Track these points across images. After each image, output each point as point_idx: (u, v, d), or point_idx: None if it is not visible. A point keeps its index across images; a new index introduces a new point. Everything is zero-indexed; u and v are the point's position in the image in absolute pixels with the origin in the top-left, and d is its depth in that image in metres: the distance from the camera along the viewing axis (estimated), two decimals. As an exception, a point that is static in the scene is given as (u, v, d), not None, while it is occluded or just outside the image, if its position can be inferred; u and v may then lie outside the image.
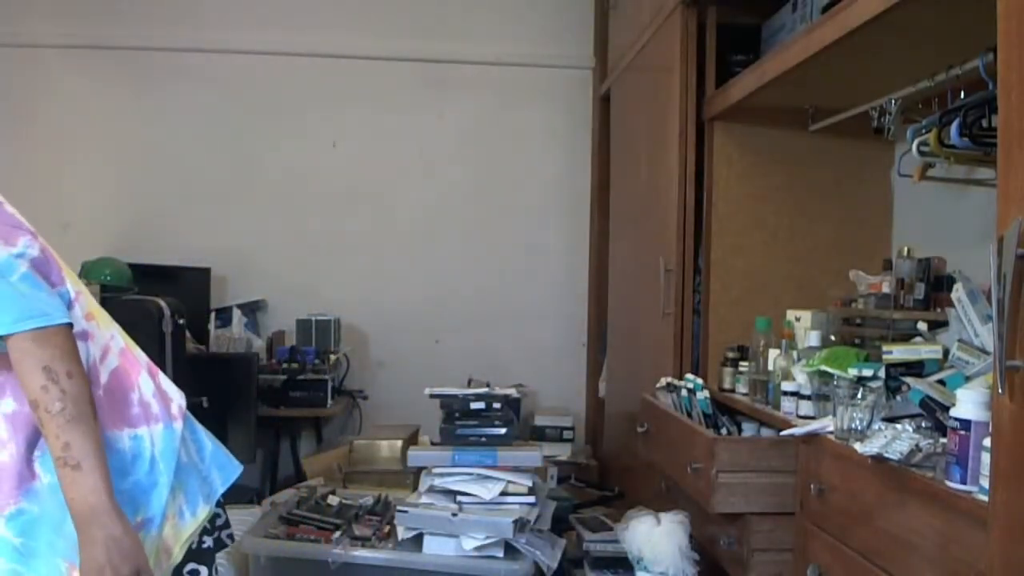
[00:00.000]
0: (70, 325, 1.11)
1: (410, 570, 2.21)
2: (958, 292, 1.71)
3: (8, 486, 1.13)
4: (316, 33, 3.81)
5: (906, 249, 1.99)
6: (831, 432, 1.67)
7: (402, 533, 2.27)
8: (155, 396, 1.26)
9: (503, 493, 2.27)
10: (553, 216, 3.94)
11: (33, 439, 1.15)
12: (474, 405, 2.38)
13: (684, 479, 2.03)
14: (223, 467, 1.36)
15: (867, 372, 1.75)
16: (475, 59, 3.89)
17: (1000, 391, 1.09)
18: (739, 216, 2.55)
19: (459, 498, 2.27)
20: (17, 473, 1.13)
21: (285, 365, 3.47)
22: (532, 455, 2.35)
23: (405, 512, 2.26)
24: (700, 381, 2.25)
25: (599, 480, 3.44)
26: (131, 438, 1.21)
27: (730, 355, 2.38)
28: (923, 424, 1.47)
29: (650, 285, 2.77)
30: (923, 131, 1.79)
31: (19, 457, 1.14)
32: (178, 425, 1.27)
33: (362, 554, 2.24)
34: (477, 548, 2.20)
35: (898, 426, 1.48)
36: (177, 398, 1.29)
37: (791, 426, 1.81)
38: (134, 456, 1.20)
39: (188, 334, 3.09)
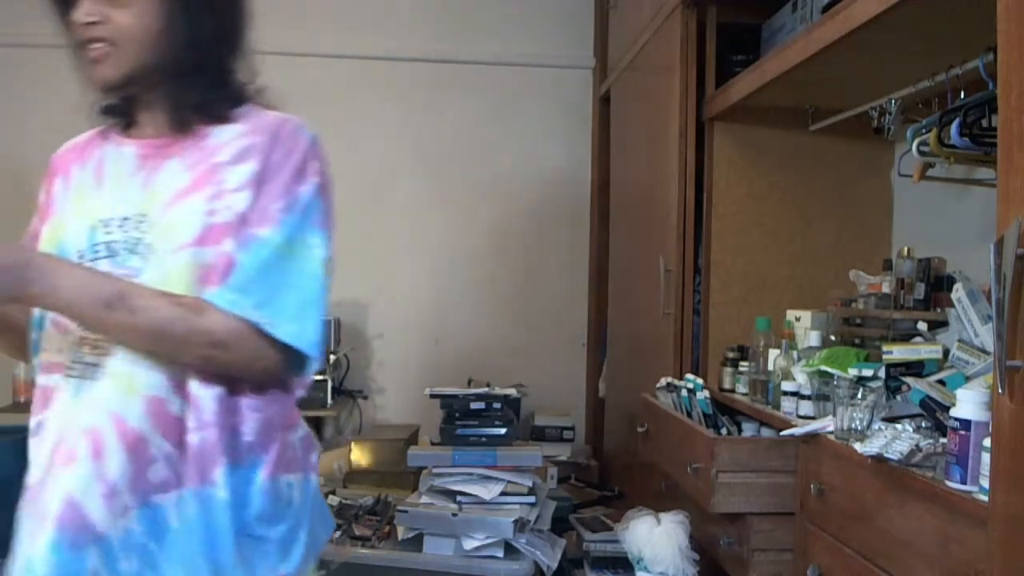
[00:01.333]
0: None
1: (410, 570, 2.21)
2: (958, 292, 1.71)
3: (174, 473, 1.01)
4: (315, 33, 3.81)
5: (906, 249, 1.99)
6: (831, 432, 1.67)
7: (402, 533, 2.27)
8: (301, 441, 1.16)
9: (503, 493, 2.27)
10: (553, 216, 3.94)
11: (234, 445, 1.04)
12: (474, 405, 2.38)
13: (684, 479, 2.03)
14: (326, 523, 1.22)
15: (867, 372, 1.75)
16: (475, 59, 3.88)
17: (1000, 391, 1.09)
18: (739, 216, 2.55)
19: (459, 498, 2.27)
20: (197, 466, 1.01)
21: (285, 365, 3.46)
22: (532, 455, 2.35)
23: (405, 512, 2.26)
24: (700, 381, 2.25)
25: (599, 480, 3.44)
26: (287, 485, 1.10)
27: (730, 355, 2.38)
28: (923, 424, 1.47)
29: (650, 285, 2.77)
30: (923, 131, 1.79)
31: (210, 448, 1.02)
32: (315, 477, 1.17)
33: (362, 554, 2.24)
34: (477, 548, 2.20)
35: (898, 426, 1.48)
36: (319, 446, 1.20)
37: (791, 426, 1.81)
38: (287, 503, 1.10)
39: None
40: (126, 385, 1.01)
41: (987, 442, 1.17)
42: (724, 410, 2.26)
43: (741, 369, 2.31)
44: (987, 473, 1.15)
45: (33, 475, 1.06)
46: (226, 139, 1.09)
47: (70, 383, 1.04)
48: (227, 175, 1.06)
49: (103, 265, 1.03)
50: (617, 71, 3.46)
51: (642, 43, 3.02)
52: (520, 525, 2.22)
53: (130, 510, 0.99)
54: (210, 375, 1.03)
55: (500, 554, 2.21)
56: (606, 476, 3.47)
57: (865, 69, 1.96)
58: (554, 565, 2.25)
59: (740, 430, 2.21)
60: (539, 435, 3.57)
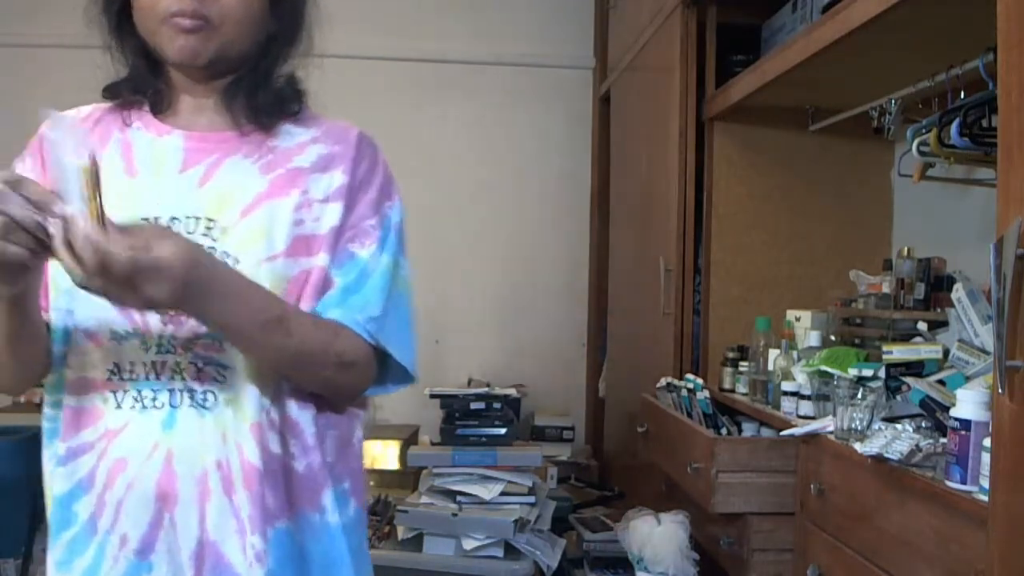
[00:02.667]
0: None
1: (410, 570, 2.21)
2: (958, 292, 1.71)
3: (283, 499, 0.93)
4: (315, 33, 3.81)
5: (906, 249, 1.99)
6: (831, 432, 1.67)
7: (402, 533, 2.27)
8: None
9: (503, 493, 2.27)
10: (553, 216, 3.94)
11: (339, 466, 0.99)
12: (474, 405, 2.38)
13: (684, 479, 2.03)
14: None
15: (867, 372, 1.75)
16: (475, 59, 3.88)
17: (1000, 391, 1.09)
18: (739, 216, 2.55)
19: (459, 498, 2.27)
20: (307, 493, 0.95)
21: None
22: (532, 455, 2.35)
23: (405, 512, 2.26)
24: (700, 381, 2.25)
25: (599, 480, 3.44)
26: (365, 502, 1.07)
27: (730, 355, 2.38)
28: (923, 424, 1.47)
29: (650, 285, 2.77)
30: (923, 131, 1.79)
31: (316, 473, 0.96)
32: (366, 515, 1.11)
33: (362, 554, 2.24)
34: (477, 548, 2.20)
35: (898, 426, 1.48)
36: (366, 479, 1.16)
37: (791, 426, 1.81)
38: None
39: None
40: (239, 413, 0.92)
41: (987, 442, 1.17)
42: (724, 410, 2.26)
43: (741, 369, 2.31)
44: (987, 473, 1.15)
45: (106, 504, 0.92)
46: (298, 142, 1.01)
47: (150, 410, 0.91)
48: (311, 183, 0.98)
49: None
50: (617, 71, 3.46)
51: (642, 43, 3.02)
52: (520, 525, 2.22)
53: (257, 546, 0.91)
54: (308, 395, 0.96)
55: (500, 554, 2.21)
56: (606, 476, 3.47)
57: (865, 69, 1.96)
58: (554, 565, 2.24)
59: (740, 430, 2.21)
60: (539, 435, 3.57)
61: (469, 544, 2.21)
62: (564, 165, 3.94)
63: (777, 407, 2.03)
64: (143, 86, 0.99)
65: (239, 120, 0.99)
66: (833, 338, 2.10)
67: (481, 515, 2.22)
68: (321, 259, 0.95)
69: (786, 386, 1.98)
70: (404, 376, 1.03)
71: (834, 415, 1.70)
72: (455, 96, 3.90)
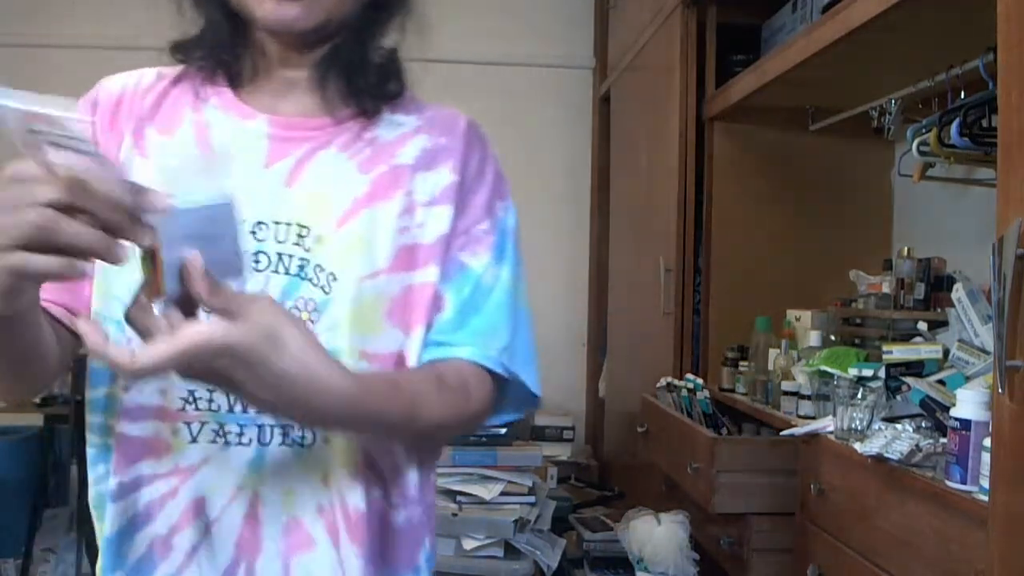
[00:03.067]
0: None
1: (410, 570, 2.21)
2: (958, 292, 1.71)
3: (378, 556, 0.81)
4: None
5: (906, 249, 1.99)
6: (831, 432, 1.67)
7: (402, 533, 2.27)
8: None
9: (503, 493, 2.27)
10: (553, 216, 3.94)
11: (432, 518, 0.87)
12: (474, 405, 2.38)
13: (684, 479, 2.03)
14: None
15: (867, 372, 1.75)
16: (475, 59, 3.88)
17: (1000, 391, 1.09)
18: (739, 216, 2.55)
19: (459, 498, 2.27)
20: (405, 549, 0.83)
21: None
22: (532, 455, 2.35)
23: (405, 512, 2.26)
24: (700, 381, 2.25)
25: (599, 480, 3.44)
26: None
27: (730, 355, 2.38)
28: (923, 424, 1.47)
29: (650, 285, 2.77)
30: (923, 131, 1.79)
31: (416, 527, 0.84)
32: None
33: (362, 554, 2.24)
34: (477, 548, 2.20)
35: (898, 426, 1.48)
36: None
37: (791, 426, 1.81)
38: None
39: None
40: (343, 453, 0.79)
41: (987, 442, 1.17)
42: (724, 410, 2.26)
43: (741, 369, 2.31)
44: (987, 473, 1.15)
45: (178, 549, 0.78)
46: (400, 133, 0.86)
47: (234, 446, 0.77)
48: (416, 183, 0.83)
49: (253, 290, 0.74)
50: (617, 71, 3.46)
51: (642, 43, 3.02)
52: (520, 525, 2.22)
53: None
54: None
55: (500, 554, 2.21)
56: (606, 476, 3.47)
57: (865, 69, 1.96)
58: (554, 565, 2.25)
59: (740, 430, 2.20)
60: (539, 435, 3.57)
61: (469, 544, 2.21)
62: (564, 165, 3.94)
63: (777, 407, 2.03)
64: (220, 51, 0.81)
65: (333, 103, 0.82)
66: (833, 338, 2.10)
67: (481, 515, 2.22)
68: (429, 273, 0.80)
69: (786, 386, 1.98)
70: (529, 400, 0.90)
71: (834, 415, 1.70)
72: (455, 96, 3.89)
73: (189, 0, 0.81)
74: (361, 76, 0.82)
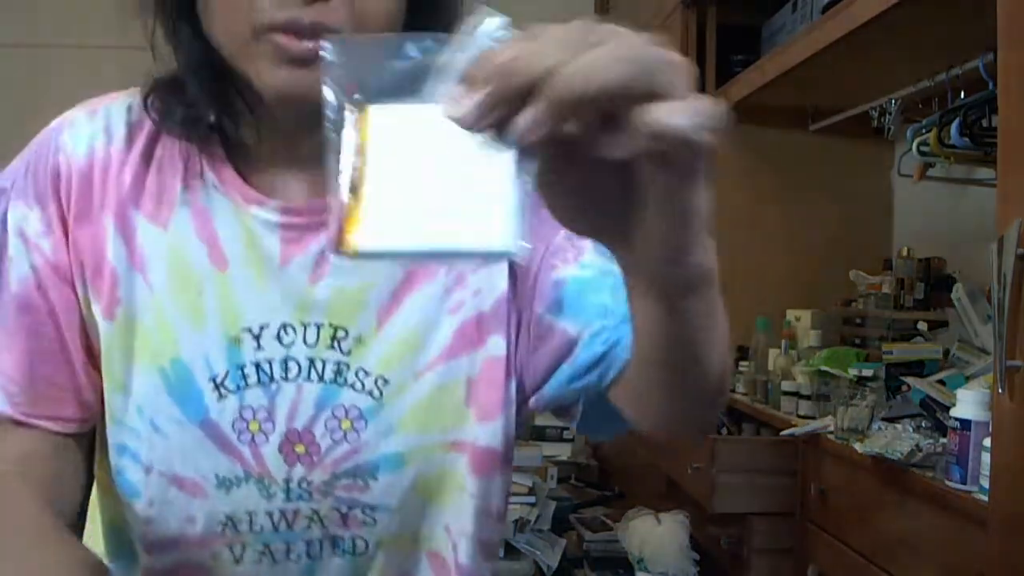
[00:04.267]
0: None
1: (410, 570, 2.21)
2: (958, 292, 1.71)
3: None
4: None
5: (906, 249, 1.99)
6: (831, 432, 1.67)
7: (402, 533, 2.27)
8: None
9: (503, 493, 2.27)
10: (553, 216, 3.93)
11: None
12: (474, 405, 2.38)
13: (684, 479, 2.03)
14: None
15: (867, 372, 1.75)
16: (475, 59, 3.88)
17: (1000, 391, 1.09)
18: (739, 216, 2.54)
19: (459, 498, 2.26)
20: None
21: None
22: (532, 455, 2.35)
23: (405, 512, 2.26)
24: (700, 381, 2.24)
25: (599, 480, 3.44)
26: None
27: (730, 355, 2.37)
28: (923, 424, 1.47)
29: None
30: (923, 131, 1.79)
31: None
32: None
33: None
34: (477, 548, 2.20)
35: (898, 426, 1.48)
36: None
37: (791, 426, 1.81)
38: None
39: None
40: (400, 555, 0.70)
41: (987, 442, 1.17)
42: (724, 410, 2.25)
43: (741, 369, 2.31)
44: (987, 473, 1.15)
45: None
46: None
47: (283, 563, 0.67)
48: None
49: (283, 407, 0.65)
50: (617, 71, 3.46)
51: (642, 43, 3.01)
52: (520, 525, 2.22)
53: None
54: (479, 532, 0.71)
55: (500, 554, 2.21)
56: (606, 476, 3.47)
57: (865, 69, 1.96)
58: (554, 565, 2.24)
59: (740, 430, 2.21)
60: (539, 435, 3.56)
61: (469, 544, 2.20)
62: (564, 165, 3.93)
63: (777, 407, 2.03)
64: (209, 113, 0.63)
65: None
66: (833, 338, 2.10)
67: (481, 515, 2.22)
68: (494, 346, 0.67)
69: (786, 386, 1.98)
70: None
71: (834, 415, 1.70)
72: (455, 96, 3.90)
73: (169, 39, 0.61)
74: None
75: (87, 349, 0.64)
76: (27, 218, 0.63)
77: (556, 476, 2.81)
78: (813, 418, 1.85)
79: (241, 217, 0.64)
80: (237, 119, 0.64)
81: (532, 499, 2.29)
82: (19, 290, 0.63)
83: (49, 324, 0.63)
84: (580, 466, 3.46)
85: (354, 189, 0.38)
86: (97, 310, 0.63)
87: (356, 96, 0.39)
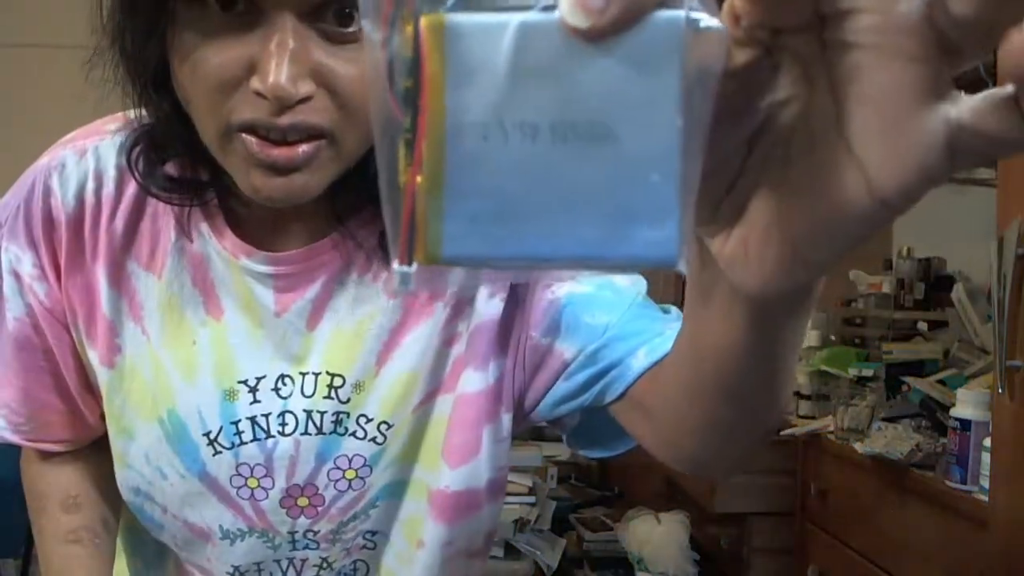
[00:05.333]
0: None
1: (410, 570, 2.21)
2: (958, 292, 1.71)
3: None
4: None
5: (906, 249, 1.99)
6: (831, 432, 1.67)
7: (402, 533, 2.27)
8: None
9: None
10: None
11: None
12: (474, 405, 2.38)
13: (684, 479, 2.03)
14: None
15: (867, 372, 1.75)
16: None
17: (1000, 391, 1.09)
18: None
19: (459, 498, 2.26)
20: None
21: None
22: (532, 455, 2.35)
23: (405, 512, 2.26)
24: (700, 381, 2.24)
25: (599, 480, 3.44)
26: None
27: (730, 355, 2.37)
28: (923, 424, 1.47)
29: (650, 284, 2.77)
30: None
31: None
32: None
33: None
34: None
35: (898, 426, 1.48)
36: None
37: (791, 426, 1.81)
38: None
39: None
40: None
41: (987, 442, 1.17)
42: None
43: (741, 369, 2.31)
44: (987, 473, 1.15)
45: None
46: (383, 224, 0.52)
47: None
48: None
49: (281, 462, 0.61)
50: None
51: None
52: (520, 525, 2.22)
53: None
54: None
55: (500, 554, 2.20)
56: (606, 476, 3.47)
57: (865, 69, 1.96)
58: (554, 565, 2.24)
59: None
60: (539, 435, 3.57)
61: (469, 544, 2.20)
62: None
63: (777, 407, 2.02)
64: (192, 183, 0.59)
65: (343, 214, 0.60)
66: (833, 338, 2.09)
67: (481, 515, 2.22)
68: (492, 372, 0.63)
69: (786, 386, 1.98)
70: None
71: (834, 415, 1.70)
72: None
73: (147, 109, 0.55)
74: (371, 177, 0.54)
75: (85, 383, 0.64)
76: (20, 260, 0.61)
77: (556, 476, 2.81)
78: (813, 418, 1.85)
79: (233, 267, 0.60)
80: (223, 187, 0.57)
81: (532, 499, 2.29)
82: (16, 328, 0.62)
83: (47, 361, 0.63)
84: (580, 466, 3.46)
85: (421, 157, 0.24)
86: (94, 357, 0.62)
87: (431, 4, 0.24)
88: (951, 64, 0.24)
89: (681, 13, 0.23)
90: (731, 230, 0.29)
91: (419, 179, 0.24)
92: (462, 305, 0.62)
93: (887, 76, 0.23)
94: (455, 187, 0.24)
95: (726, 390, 0.43)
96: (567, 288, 0.61)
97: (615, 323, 0.59)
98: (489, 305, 0.62)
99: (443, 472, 0.63)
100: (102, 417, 0.64)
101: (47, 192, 0.60)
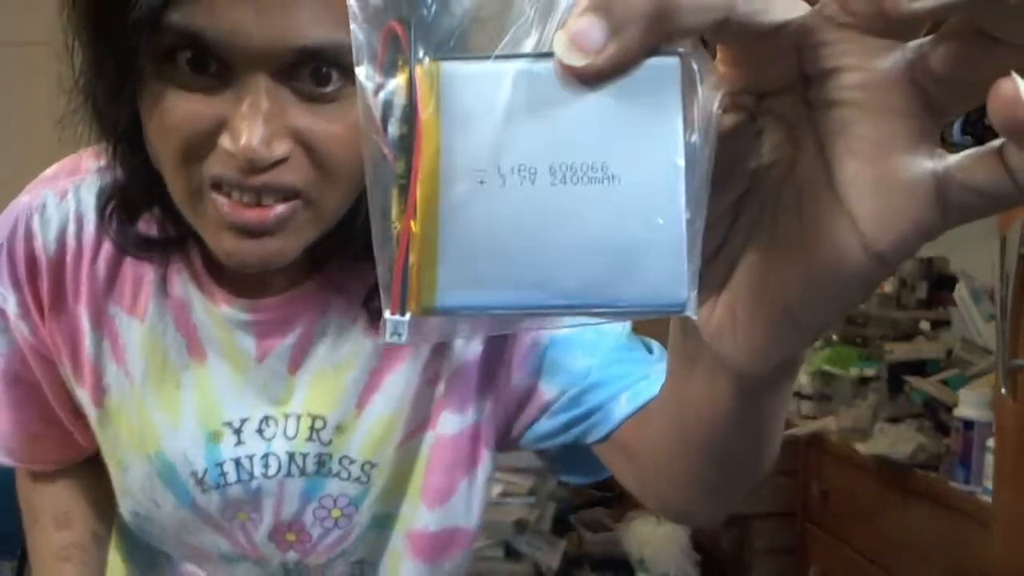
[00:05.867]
0: None
1: (410, 571, 2.21)
2: (961, 291, 1.70)
3: None
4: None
5: (908, 248, 1.98)
6: (833, 432, 1.67)
7: (402, 534, 2.27)
8: None
9: (503, 493, 2.27)
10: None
11: None
12: (474, 405, 2.38)
13: (685, 479, 2.03)
14: None
15: (869, 372, 1.74)
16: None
17: (1003, 391, 1.08)
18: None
19: (459, 498, 2.26)
20: None
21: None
22: (532, 456, 2.34)
23: (405, 512, 2.26)
24: (701, 381, 2.24)
25: (600, 481, 3.43)
26: None
27: (731, 355, 2.37)
28: (925, 424, 1.46)
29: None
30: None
31: None
32: None
33: (362, 555, 2.24)
34: (477, 549, 2.20)
35: (901, 426, 1.47)
36: None
37: (793, 426, 1.81)
38: None
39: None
40: None
41: (990, 442, 1.16)
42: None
43: (742, 369, 2.30)
44: (990, 473, 1.15)
45: None
46: (362, 267, 0.61)
47: None
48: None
49: (268, 501, 0.62)
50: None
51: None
52: (520, 526, 2.21)
53: None
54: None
55: (500, 555, 2.20)
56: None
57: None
58: (555, 566, 2.24)
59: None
60: (540, 435, 3.57)
61: (469, 545, 2.20)
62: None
63: (778, 407, 2.02)
64: (165, 240, 0.58)
65: (316, 261, 0.59)
66: (835, 337, 2.09)
67: (481, 515, 2.22)
68: (471, 414, 0.63)
69: (787, 386, 1.98)
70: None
71: (836, 415, 1.69)
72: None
73: (118, 163, 0.53)
74: (357, 233, 0.54)
75: (77, 411, 0.64)
76: (6, 299, 0.61)
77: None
78: (815, 418, 1.84)
79: (213, 314, 0.60)
80: (199, 242, 0.54)
81: (532, 499, 2.28)
82: (4, 364, 0.63)
83: (36, 394, 0.64)
84: (581, 466, 3.46)
85: (415, 203, 0.24)
86: (83, 395, 0.62)
87: (424, 51, 0.24)
88: (935, 119, 0.24)
89: (676, 58, 0.23)
90: (717, 298, 0.28)
91: (413, 226, 0.23)
92: (443, 346, 0.61)
93: (875, 131, 0.24)
94: (450, 234, 0.23)
95: (710, 453, 0.43)
96: (547, 331, 0.60)
97: (597, 366, 0.58)
98: (467, 348, 0.62)
99: (422, 511, 0.63)
100: (95, 437, 0.65)
101: (29, 234, 0.59)
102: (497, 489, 2.26)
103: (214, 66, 0.44)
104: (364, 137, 0.24)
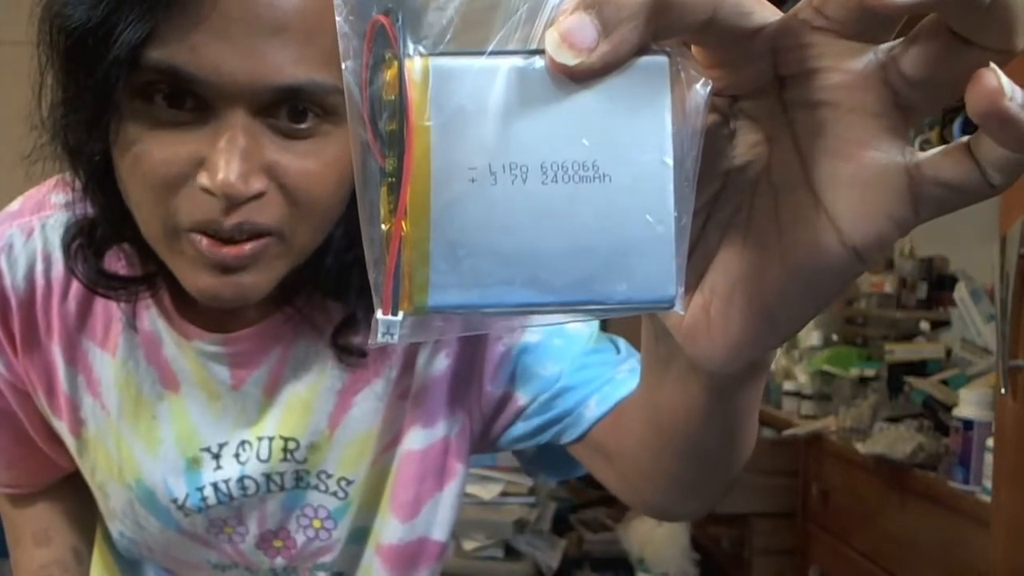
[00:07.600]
0: None
1: (410, 570, 2.21)
2: (961, 291, 1.70)
3: None
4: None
5: (908, 248, 1.98)
6: (833, 432, 1.67)
7: (402, 533, 2.27)
8: None
9: (503, 493, 2.27)
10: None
11: None
12: (474, 405, 2.38)
13: (685, 479, 2.03)
14: None
15: (869, 372, 1.74)
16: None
17: (1003, 391, 1.08)
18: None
19: (459, 498, 2.26)
20: None
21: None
22: (532, 455, 2.34)
23: (405, 512, 2.26)
24: (701, 381, 2.24)
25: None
26: None
27: (731, 355, 2.37)
28: (925, 424, 1.46)
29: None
30: (925, 129, 1.78)
31: None
32: None
33: (362, 554, 2.24)
34: (477, 548, 2.20)
35: (900, 426, 1.48)
36: None
37: (793, 426, 1.81)
38: None
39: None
40: None
41: (990, 442, 1.16)
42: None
43: (742, 369, 2.30)
44: (990, 473, 1.15)
45: None
46: (330, 305, 0.64)
47: None
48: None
49: (251, 514, 0.63)
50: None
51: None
52: (520, 526, 2.21)
53: None
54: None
55: (500, 555, 2.20)
56: (607, 476, 3.47)
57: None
58: (554, 566, 2.24)
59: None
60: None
61: (469, 545, 2.20)
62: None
63: (779, 407, 2.02)
64: (132, 279, 0.57)
65: (286, 292, 0.58)
66: (835, 337, 2.09)
67: (481, 516, 2.21)
68: (440, 428, 0.63)
69: (787, 386, 1.97)
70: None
71: (836, 415, 1.69)
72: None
73: (88, 199, 0.52)
74: (329, 270, 0.56)
75: (54, 436, 0.64)
76: None
77: (557, 476, 2.81)
78: (815, 418, 1.84)
79: (185, 348, 0.59)
80: (169, 274, 0.52)
81: (532, 499, 2.28)
82: None
83: (13, 422, 0.64)
84: (581, 466, 3.46)
85: (405, 202, 0.23)
86: (61, 427, 0.62)
87: (414, 46, 0.24)
88: (905, 118, 0.25)
89: (664, 56, 0.24)
90: (690, 299, 0.29)
91: (404, 225, 0.23)
92: (411, 361, 0.62)
93: (851, 130, 0.25)
94: (442, 232, 0.23)
95: (686, 452, 0.44)
96: (518, 338, 0.61)
97: (567, 371, 0.59)
98: (433, 363, 0.62)
99: (393, 524, 0.65)
100: (75, 460, 0.66)
101: None
102: (497, 489, 2.26)
103: (191, 102, 0.44)
104: (351, 134, 0.24)
